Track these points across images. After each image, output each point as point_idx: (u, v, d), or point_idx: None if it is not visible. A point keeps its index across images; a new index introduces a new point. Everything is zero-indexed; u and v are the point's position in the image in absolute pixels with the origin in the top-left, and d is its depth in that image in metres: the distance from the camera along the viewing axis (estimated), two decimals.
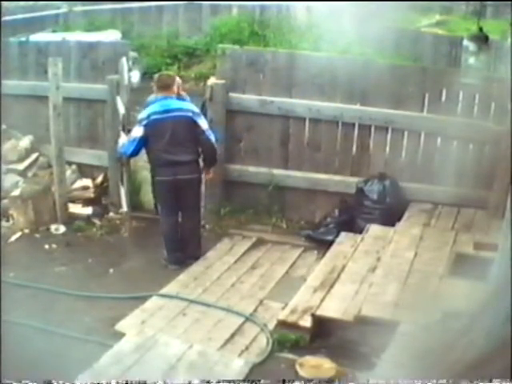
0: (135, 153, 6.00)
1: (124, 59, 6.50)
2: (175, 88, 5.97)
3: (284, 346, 4.69)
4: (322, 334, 4.73)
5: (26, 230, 6.65)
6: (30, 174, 7.40)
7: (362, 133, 6.69)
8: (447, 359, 3.03)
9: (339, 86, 6.61)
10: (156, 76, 6.17)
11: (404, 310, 4.54)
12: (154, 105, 5.90)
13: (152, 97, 6.03)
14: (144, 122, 5.80)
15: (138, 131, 5.82)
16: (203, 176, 6.23)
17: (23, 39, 7.97)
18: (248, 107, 6.82)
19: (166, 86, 5.92)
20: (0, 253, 5.91)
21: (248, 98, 6.80)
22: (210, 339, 4.78)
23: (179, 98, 5.99)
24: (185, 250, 6.08)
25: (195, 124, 5.84)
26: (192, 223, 6.10)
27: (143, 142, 5.85)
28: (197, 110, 5.99)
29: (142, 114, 5.89)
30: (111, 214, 7.10)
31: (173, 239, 6.03)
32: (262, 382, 3.54)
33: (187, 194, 5.92)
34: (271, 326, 4.95)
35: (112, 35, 8.63)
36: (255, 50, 7.25)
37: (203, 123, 5.91)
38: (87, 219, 6.96)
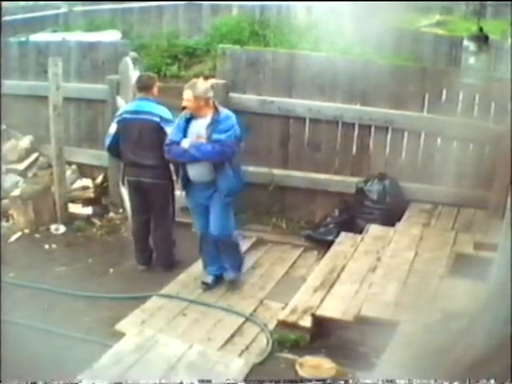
0: (111, 148, 5.89)
1: (128, 58, 6.49)
2: (155, 90, 5.79)
3: (284, 346, 4.69)
4: (322, 334, 4.73)
5: (26, 230, 6.64)
6: (30, 174, 7.39)
7: (362, 133, 6.69)
8: (447, 359, 3.04)
9: (339, 86, 6.61)
10: (137, 76, 6.07)
11: (404, 310, 4.54)
12: (130, 104, 5.95)
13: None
14: (117, 119, 5.81)
15: (112, 127, 5.84)
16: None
17: (23, 39, 7.98)
18: (248, 107, 6.82)
19: (144, 87, 5.76)
20: (0, 253, 5.91)
21: (248, 98, 6.80)
22: (209, 339, 4.78)
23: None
24: (156, 257, 6.03)
25: (162, 130, 5.58)
26: (160, 230, 5.89)
27: (117, 138, 5.79)
28: (168, 116, 5.68)
29: (118, 111, 5.97)
30: (111, 214, 7.10)
31: (138, 238, 6.00)
32: None
33: (152, 198, 5.81)
34: (271, 326, 4.95)
35: (112, 35, 8.63)
36: (255, 50, 7.26)
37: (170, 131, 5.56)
38: (87, 219, 6.96)
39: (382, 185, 6.44)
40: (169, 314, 5.13)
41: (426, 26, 10.87)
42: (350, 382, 3.71)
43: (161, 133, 5.59)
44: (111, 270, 5.98)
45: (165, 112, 5.70)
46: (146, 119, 5.65)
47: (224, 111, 5.32)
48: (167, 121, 5.64)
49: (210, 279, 5.58)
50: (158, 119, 5.63)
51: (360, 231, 6.17)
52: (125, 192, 6.62)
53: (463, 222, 6.17)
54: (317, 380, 4.02)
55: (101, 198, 7.32)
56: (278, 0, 9.75)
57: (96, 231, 6.77)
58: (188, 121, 5.29)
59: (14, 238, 6.54)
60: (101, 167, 7.38)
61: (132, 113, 5.72)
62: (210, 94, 5.25)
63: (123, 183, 6.54)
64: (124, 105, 6.46)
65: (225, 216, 5.39)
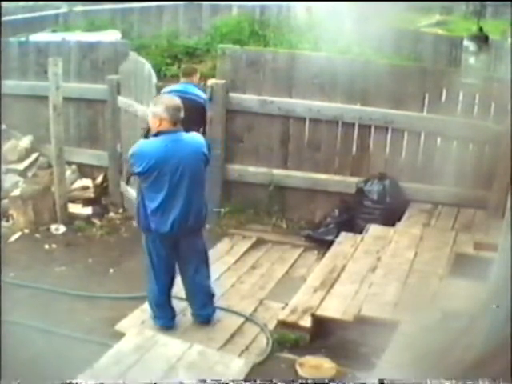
0: None
1: (149, 66, 6.51)
2: (195, 78, 6.71)
3: (284, 345, 4.69)
4: (322, 334, 4.73)
5: (26, 230, 6.64)
6: (29, 174, 7.40)
7: (361, 133, 6.69)
8: (447, 359, 3.03)
9: (339, 86, 6.61)
10: (182, 66, 7.30)
11: (404, 310, 4.54)
12: (176, 85, 6.59)
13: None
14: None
15: None
16: None
17: (23, 39, 7.97)
18: (248, 107, 6.82)
19: (188, 73, 6.68)
20: (0, 253, 5.91)
21: (248, 98, 6.80)
22: (210, 339, 4.78)
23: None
24: None
25: (204, 110, 6.50)
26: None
27: None
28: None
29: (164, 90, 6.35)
30: (111, 214, 7.11)
31: None
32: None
33: None
34: (271, 326, 4.95)
35: (112, 35, 8.63)
36: (255, 50, 7.25)
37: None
38: (87, 219, 6.95)
39: (382, 185, 6.44)
40: None
41: (426, 25, 10.88)
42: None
43: (203, 112, 6.51)
44: (111, 270, 5.98)
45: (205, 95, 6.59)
46: (193, 99, 6.31)
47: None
48: (208, 103, 6.56)
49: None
50: (202, 101, 6.49)
51: (360, 231, 6.17)
52: (130, 190, 6.62)
53: (463, 222, 6.17)
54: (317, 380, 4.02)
55: (101, 198, 7.32)
56: (278, 0, 9.75)
57: (96, 231, 6.77)
58: None
59: (13, 237, 6.54)
60: (101, 167, 7.39)
61: (179, 92, 6.06)
62: None
63: (128, 183, 6.55)
64: (137, 105, 6.51)
65: None
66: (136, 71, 6.62)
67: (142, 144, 4.69)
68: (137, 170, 4.61)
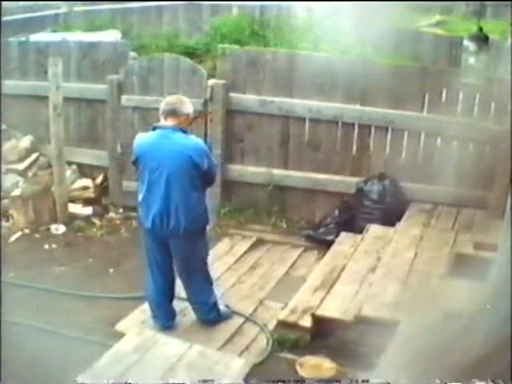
0: None
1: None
2: None
3: (284, 346, 4.69)
4: (322, 334, 4.73)
5: (26, 230, 6.65)
6: (30, 174, 7.40)
7: (361, 133, 6.69)
8: (447, 359, 3.04)
9: (339, 86, 6.61)
10: None
11: (404, 310, 4.53)
12: None
13: None
14: None
15: None
16: None
17: (23, 39, 7.97)
18: (248, 107, 6.82)
19: None
20: (0, 253, 5.91)
21: (248, 98, 6.80)
22: (209, 339, 4.78)
23: None
24: None
25: None
26: None
27: None
28: None
29: None
30: (111, 214, 7.11)
31: None
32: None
33: None
34: (271, 326, 4.95)
35: (112, 35, 8.63)
36: (255, 50, 7.25)
37: None
38: (87, 219, 6.96)
39: (382, 185, 6.45)
40: None
41: (426, 26, 10.86)
42: None
43: None
44: (111, 270, 5.98)
45: None
46: None
47: None
48: None
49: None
50: None
51: (360, 231, 6.16)
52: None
53: (463, 222, 6.17)
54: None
55: (101, 198, 7.33)
56: (278, 0, 9.75)
57: (96, 231, 6.77)
58: None
59: (14, 237, 6.55)
60: (101, 167, 7.39)
61: None
62: None
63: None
64: None
65: None
66: (163, 68, 6.74)
67: (138, 136, 4.81)
68: (131, 159, 4.80)
